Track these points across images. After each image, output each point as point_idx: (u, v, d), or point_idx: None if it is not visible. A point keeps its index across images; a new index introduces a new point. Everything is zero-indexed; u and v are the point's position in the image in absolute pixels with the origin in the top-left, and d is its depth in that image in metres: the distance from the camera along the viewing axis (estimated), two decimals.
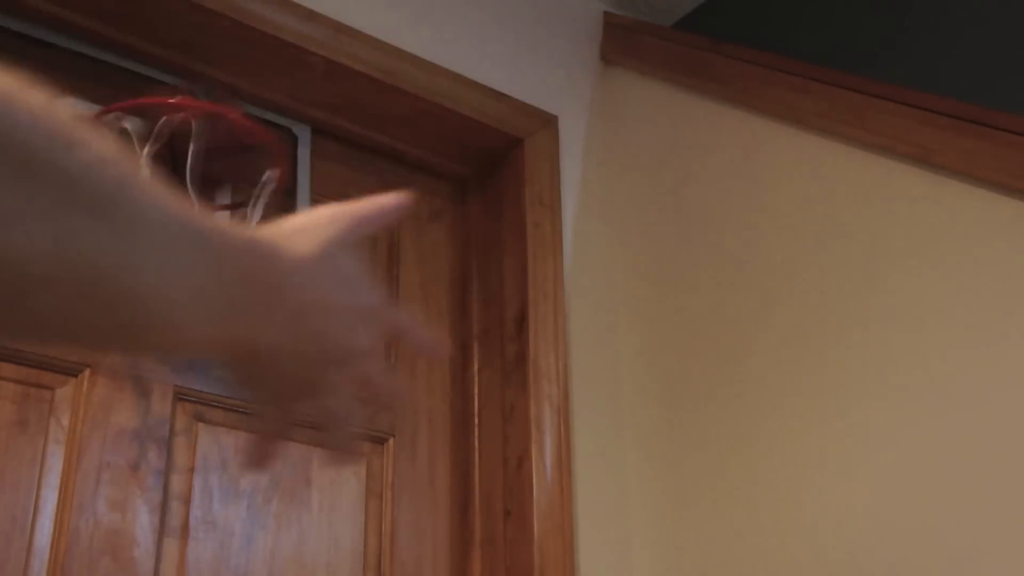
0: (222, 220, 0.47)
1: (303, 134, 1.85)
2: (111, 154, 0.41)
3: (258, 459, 0.61)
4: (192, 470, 1.55)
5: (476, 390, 1.86)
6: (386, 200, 0.60)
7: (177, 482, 1.53)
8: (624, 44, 2.16)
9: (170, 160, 1.52)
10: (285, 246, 0.52)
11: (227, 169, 1.60)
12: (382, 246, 1.90)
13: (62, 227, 0.39)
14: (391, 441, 1.76)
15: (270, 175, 1.59)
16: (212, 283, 0.46)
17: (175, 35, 1.69)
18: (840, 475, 1.55)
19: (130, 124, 1.42)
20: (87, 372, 1.50)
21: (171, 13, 1.65)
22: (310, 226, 0.54)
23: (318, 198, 1.78)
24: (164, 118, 1.43)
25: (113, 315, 0.43)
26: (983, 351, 1.44)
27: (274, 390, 0.56)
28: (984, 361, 1.43)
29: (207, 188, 1.70)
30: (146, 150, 1.41)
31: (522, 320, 1.83)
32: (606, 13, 2.23)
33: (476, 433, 1.82)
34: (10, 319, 0.41)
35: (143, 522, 1.47)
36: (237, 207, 1.68)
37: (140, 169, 0.43)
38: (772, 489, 1.63)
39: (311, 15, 1.76)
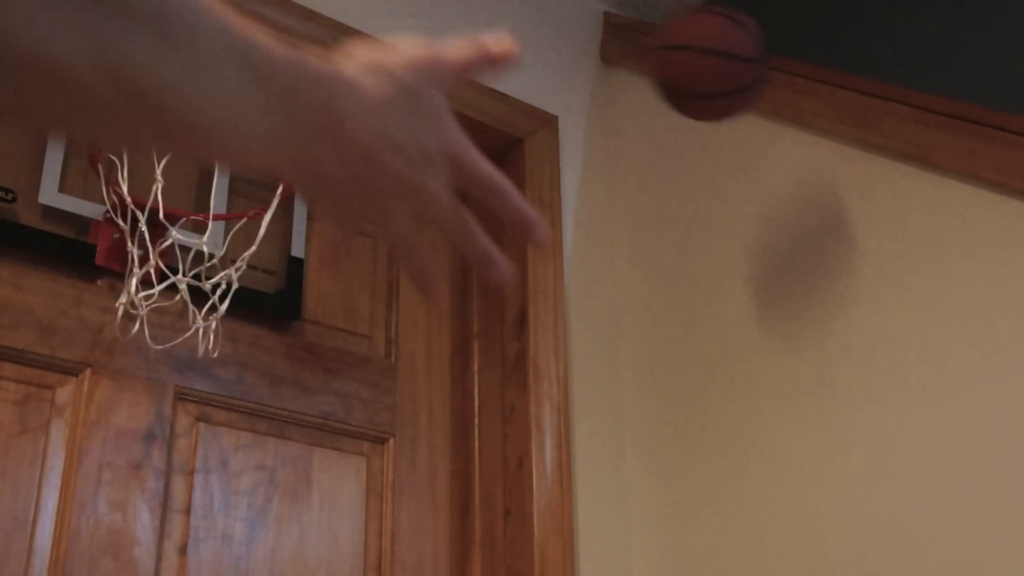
0: (286, 44, 0.46)
1: None
2: None
3: (337, 255, 0.60)
4: (193, 470, 1.55)
5: (476, 390, 1.86)
6: (484, 46, 0.56)
7: (178, 482, 1.53)
8: (624, 44, 2.16)
9: None
10: (356, 80, 0.50)
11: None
12: (383, 246, 1.90)
13: (110, 38, 0.38)
14: (391, 441, 1.76)
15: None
16: (267, 105, 0.45)
17: None
18: (840, 475, 1.55)
19: None
20: (88, 372, 1.50)
21: None
22: (389, 65, 0.52)
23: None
24: None
25: (164, 127, 0.42)
26: (983, 350, 1.44)
27: (338, 211, 0.55)
28: (984, 360, 1.43)
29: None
30: None
31: (522, 320, 1.83)
32: (606, 13, 2.23)
33: (476, 433, 1.83)
34: (63, 127, 0.41)
35: (144, 522, 1.47)
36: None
37: None
38: (772, 489, 1.63)
39: (311, 15, 1.76)
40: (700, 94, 1.49)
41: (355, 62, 0.51)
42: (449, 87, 0.54)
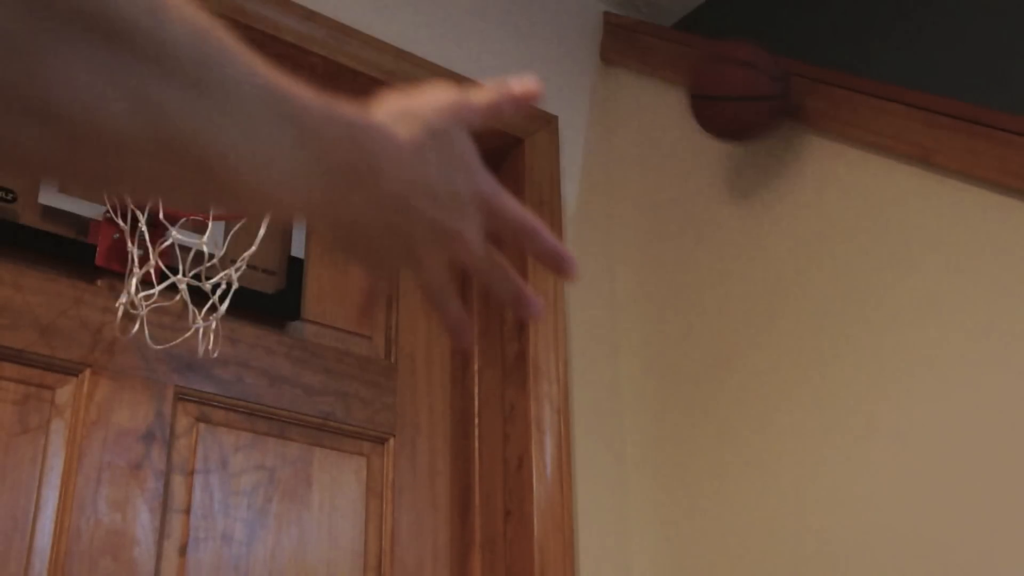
0: (317, 94, 0.47)
1: None
2: (204, 24, 0.41)
3: (361, 314, 0.61)
4: (193, 470, 1.55)
5: (476, 390, 1.86)
6: (509, 90, 0.58)
7: (178, 482, 1.53)
8: (624, 44, 2.16)
9: None
10: (386, 127, 0.51)
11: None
12: None
13: (153, 95, 0.39)
14: (391, 441, 1.76)
15: None
16: (300, 155, 0.46)
17: None
18: (839, 475, 1.55)
19: None
20: (88, 372, 1.50)
21: None
22: (419, 111, 0.53)
23: None
24: None
25: (203, 179, 0.43)
26: (983, 350, 1.44)
27: (369, 257, 0.56)
28: (984, 360, 1.43)
29: None
30: None
31: (522, 320, 1.83)
32: (606, 13, 2.23)
33: (476, 433, 1.82)
34: (103, 181, 0.41)
35: (144, 522, 1.47)
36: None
37: (230, 38, 0.43)
38: (772, 489, 1.63)
39: (311, 15, 1.76)
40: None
41: (386, 110, 0.52)
42: (476, 130, 0.55)
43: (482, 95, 0.56)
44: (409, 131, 0.52)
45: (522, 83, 0.58)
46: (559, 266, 0.58)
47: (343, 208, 0.50)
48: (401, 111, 0.52)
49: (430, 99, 0.54)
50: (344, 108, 0.48)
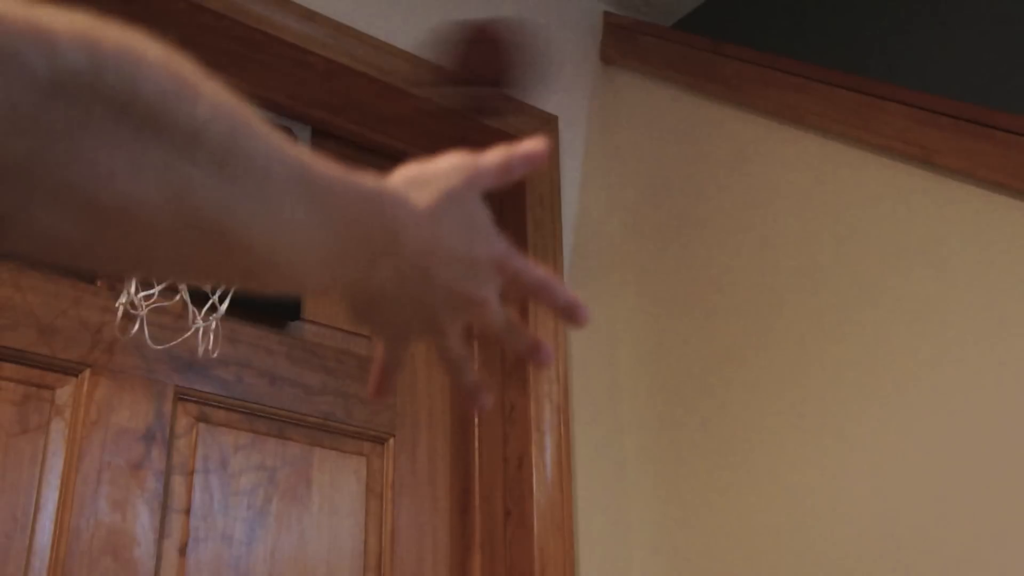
0: (338, 168, 0.47)
1: (303, 134, 1.85)
2: (230, 105, 0.41)
3: (377, 388, 0.61)
4: (193, 470, 1.55)
5: None
6: (519, 150, 0.59)
7: (178, 482, 1.53)
8: (624, 44, 2.16)
9: None
10: (404, 195, 0.51)
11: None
12: None
13: (182, 178, 0.39)
14: (391, 441, 1.76)
15: None
16: (325, 231, 0.46)
17: (175, 35, 1.68)
18: (839, 475, 1.55)
19: None
20: (87, 372, 1.50)
21: (171, 13, 1.65)
22: (433, 176, 0.54)
23: None
24: None
25: (229, 260, 0.43)
26: (983, 351, 1.44)
27: (389, 328, 0.56)
28: (984, 360, 1.43)
29: None
30: None
31: (522, 320, 1.83)
32: (606, 13, 2.23)
33: (476, 433, 1.82)
34: (132, 264, 0.42)
35: (144, 522, 1.47)
36: None
37: (257, 119, 0.43)
38: (772, 489, 1.63)
39: (311, 15, 1.76)
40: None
41: (401, 178, 0.53)
42: (488, 192, 0.56)
43: (492, 158, 0.57)
44: (426, 198, 0.52)
45: (531, 143, 0.59)
46: (574, 316, 0.59)
47: (366, 281, 0.51)
48: (416, 178, 0.53)
49: (443, 165, 0.54)
50: (363, 179, 0.49)
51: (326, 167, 0.46)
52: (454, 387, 0.61)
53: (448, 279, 0.53)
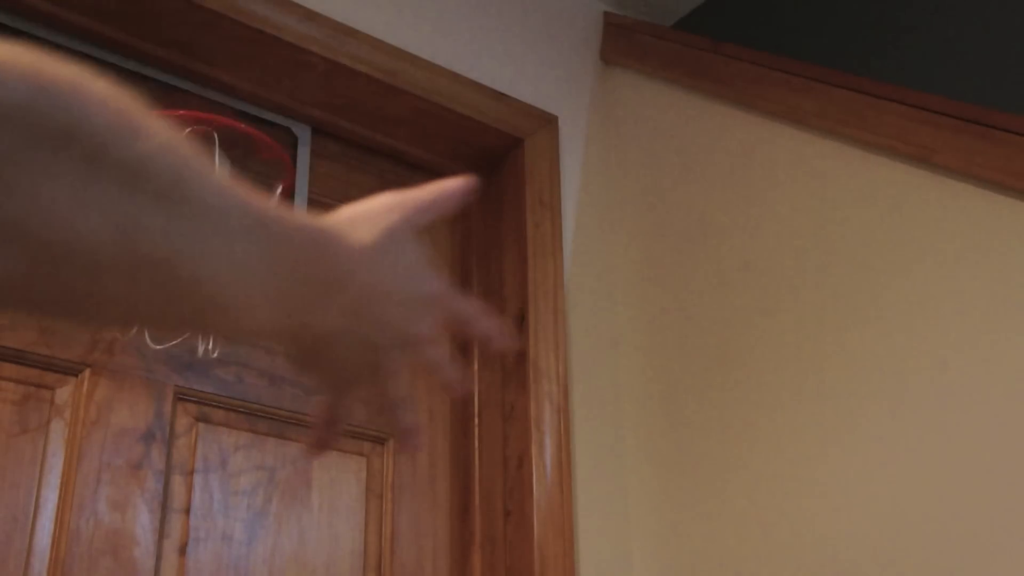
0: (282, 208, 0.48)
1: (303, 134, 1.85)
2: (174, 142, 0.41)
3: (320, 443, 0.61)
4: (192, 470, 1.55)
5: (476, 390, 1.86)
6: (448, 186, 0.60)
7: (178, 482, 1.53)
8: (624, 44, 2.16)
9: None
10: (345, 234, 0.52)
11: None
12: None
13: (126, 215, 0.39)
14: (391, 441, 1.76)
15: (275, 186, 1.60)
16: (271, 270, 0.46)
17: (175, 35, 1.69)
18: (840, 475, 1.55)
19: None
20: (87, 372, 1.50)
21: (171, 13, 1.65)
22: (370, 214, 0.54)
23: (318, 198, 1.78)
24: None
25: (176, 302, 0.43)
26: (983, 351, 1.44)
27: (333, 375, 0.56)
28: (984, 361, 1.43)
29: None
30: None
31: (522, 320, 1.83)
32: (606, 13, 2.23)
33: (476, 433, 1.82)
34: (75, 305, 0.41)
35: (143, 522, 1.47)
36: None
37: (202, 157, 0.43)
38: (772, 489, 1.63)
39: (311, 15, 1.76)
40: None
41: (341, 218, 0.53)
42: (420, 232, 0.57)
43: (424, 195, 0.58)
44: (367, 237, 0.53)
45: (459, 181, 0.61)
46: (499, 342, 0.62)
47: (311, 322, 0.50)
48: (355, 217, 0.54)
49: (379, 204, 0.55)
50: (304, 218, 0.49)
51: (270, 206, 0.47)
52: (392, 429, 0.62)
53: (391, 318, 0.54)
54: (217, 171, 0.44)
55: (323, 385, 0.57)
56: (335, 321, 0.52)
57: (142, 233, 0.40)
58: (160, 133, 0.41)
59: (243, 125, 1.57)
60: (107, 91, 0.39)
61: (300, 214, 0.49)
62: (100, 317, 0.44)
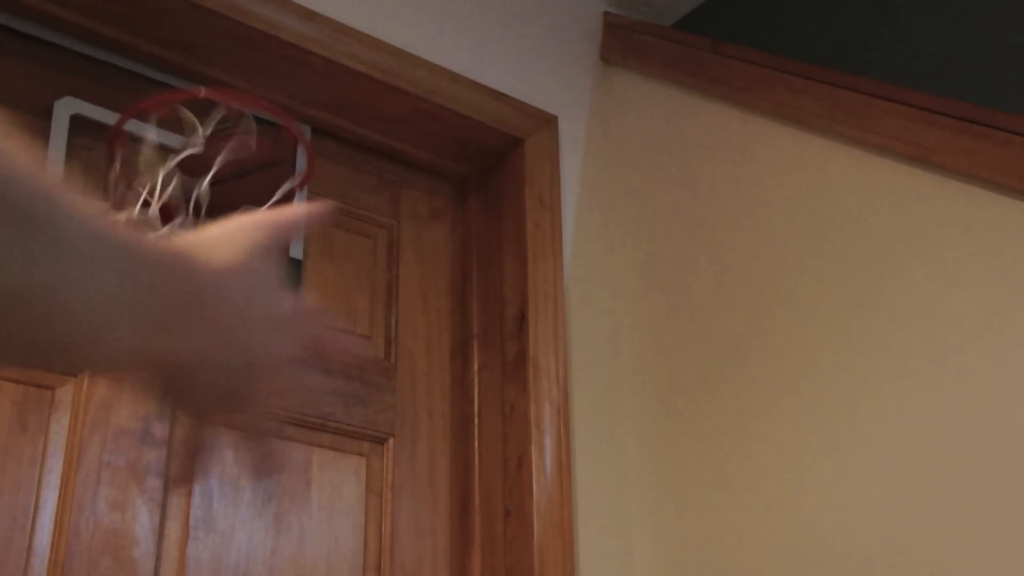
0: (137, 231, 0.47)
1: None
2: (29, 169, 0.40)
3: (183, 473, 0.61)
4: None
5: (476, 390, 1.86)
6: (305, 208, 0.61)
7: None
8: (624, 44, 2.16)
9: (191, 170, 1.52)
10: (204, 255, 0.52)
11: (250, 182, 1.61)
12: (382, 245, 1.90)
13: None
14: (391, 441, 1.76)
15: (294, 181, 1.59)
16: (133, 295, 0.46)
17: (175, 35, 1.69)
18: (840, 474, 1.55)
19: (150, 134, 1.41)
20: (87, 372, 1.50)
21: (171, 13, 1.65)
22: (230, 234, 0.54)
23: (318, 198, 1.78)
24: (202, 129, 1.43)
25: (39, 332, 0.42)
26: (983, 351, 1.44)
27: (198, 402, 0.56)
28: (984, 360, 1.43)
29: (226, 197, 1.70)
30: (172, 163, 1.40)
31: (522, 320, 1.83)
32: (606, 13, 2.23)
33: (476, 433, 1.82)
34: None
35: (143, 522, 1.46)
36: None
37: (59, 183, 0.42)
38: (773, 488, 1.63)
39: (311, 15, 1.76)
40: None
41: (202, 238, 0.53)
42: (279, 253, 0.58)
43: (284, 216, 0.59)
44: (228, 256, 0.53)
45: (319, 205, 0.63)
46: (344, 354, 0.64)
47: (177, 346, 0.50)
48: (215, 237, 0.53)
49: (240, 224, 0.55)
50: (164, 241, 0.49)
51: (131, 231, 0.46)
52: (253, 459, 0.63)
53: (251, 338, 0.54)
54: (73, 197, 0.43)
55: (189, 412, 0.57)
56: (196, 343, 0.51)
57: (6, 267, 0.39)
58: (14, 160, 0.40)
59: (269, 104, 1.55)
60: None
61: (157, 237, 0.49)
62: None
